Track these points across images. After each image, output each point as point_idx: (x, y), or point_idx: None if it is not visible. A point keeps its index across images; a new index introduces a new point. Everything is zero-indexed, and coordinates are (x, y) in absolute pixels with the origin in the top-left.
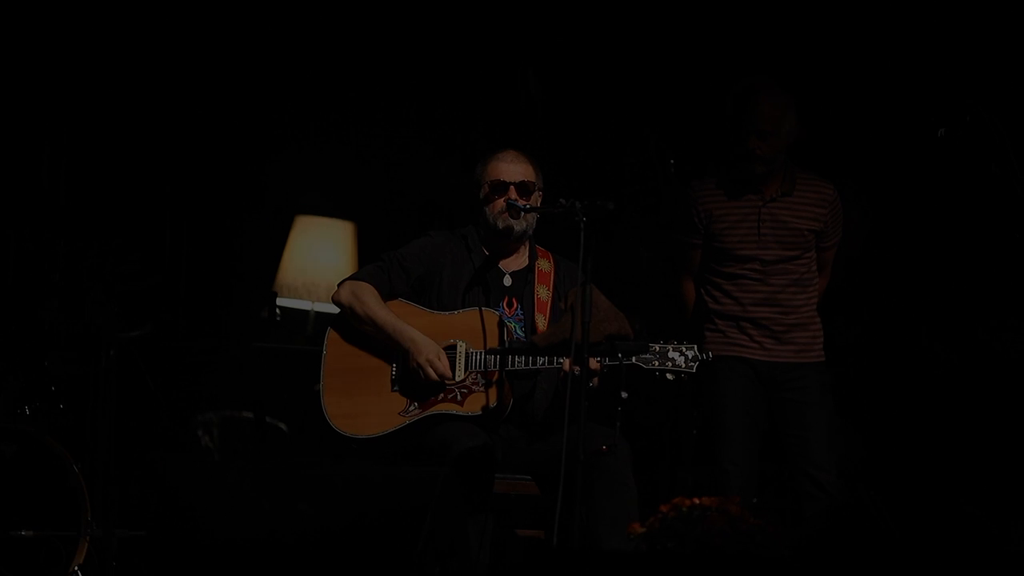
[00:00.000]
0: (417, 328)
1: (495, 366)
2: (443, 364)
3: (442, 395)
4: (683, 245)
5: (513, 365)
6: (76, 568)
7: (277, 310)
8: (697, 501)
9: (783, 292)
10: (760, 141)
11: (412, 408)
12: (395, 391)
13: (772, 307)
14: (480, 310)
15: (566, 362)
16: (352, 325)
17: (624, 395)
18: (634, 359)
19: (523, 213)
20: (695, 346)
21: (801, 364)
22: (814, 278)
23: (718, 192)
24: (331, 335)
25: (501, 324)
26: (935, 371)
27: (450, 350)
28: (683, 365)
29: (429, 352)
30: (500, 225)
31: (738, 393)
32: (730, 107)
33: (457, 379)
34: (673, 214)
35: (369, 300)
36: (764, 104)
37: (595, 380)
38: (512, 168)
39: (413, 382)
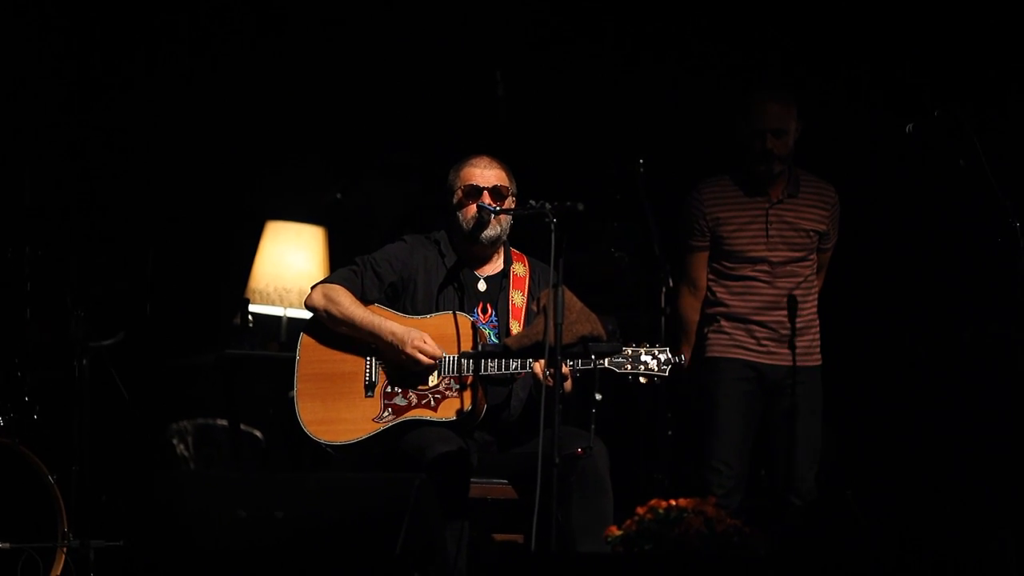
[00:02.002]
0: None
1: (468, 371)
2: (432, 346)
3: (416, 400)
4: (687, 249)
5: (486, 370)
6: None
7: (249, 316)
8: (674, 503)
9: (790, 295)
10: (776, 140)
11: (386, 414)
12: (369, 397)
13: (781, 310)
14: (454, 314)
15: (536, 367)
16: (325, 329)
17: (599, 397)
18: (606, 363)
19: (494, 216)
20: (667, 349)
21: (802, 368)
22: (815, 280)
23: (724, 195)
24: (304, 340)
25: (475, 328)
26: (911, 367)
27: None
28: (655, 368)
29: (415, 339)
30: (473, 230)
31: (738, 396)
32: (742, 111)
33: (431, 384)
34: (680, 220)
35: (344, 301)
36: (775, 104)
37: (568, 384)
38: (486, 173)
39: (394, 378)
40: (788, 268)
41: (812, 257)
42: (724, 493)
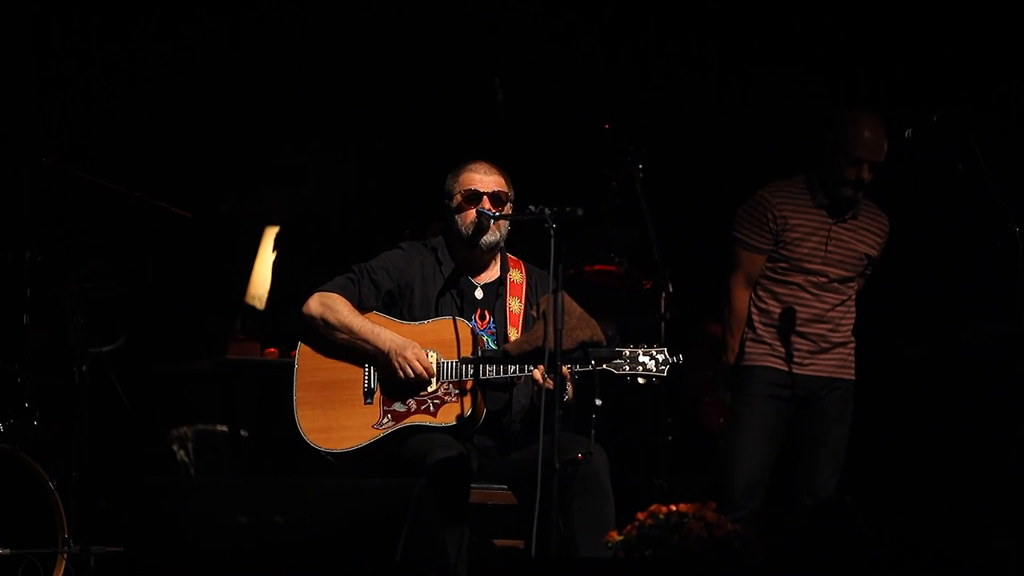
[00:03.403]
0: None
1: (467, 376)
2: (426, 361)
3: (415, 406)
4: (746, 246)
5: (485, 375)
6: None
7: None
8: (674, 508)
9: (834, 310)
10: (869, 173)
11: (386, 421)
12: (368, 404)
13: (824, 323)
14: (453, 319)
15: (536, 372)
16: (323, 337)
17: (598, 403)
18: (604, 364)
19: (493, 221)
20: (665, 349)
21: (836, 379)
22: (854, 301)
23: (793, 202)
24: (302, 348)
25: (474, 333)
26: (909, 369)
27: None
28: (654, 369)
29: (409, 350)
30: (472, 235)
31: (769, 405)
32: (835, 134)
33: (430, 390)
34: (742, 217)
35: (341, 309)
36: (877, 135)
37: (570, 389)
38: (486, 179)
39: (392, 386)
40: (835, 285)
41: (857, 279)
42: (741, 494)
